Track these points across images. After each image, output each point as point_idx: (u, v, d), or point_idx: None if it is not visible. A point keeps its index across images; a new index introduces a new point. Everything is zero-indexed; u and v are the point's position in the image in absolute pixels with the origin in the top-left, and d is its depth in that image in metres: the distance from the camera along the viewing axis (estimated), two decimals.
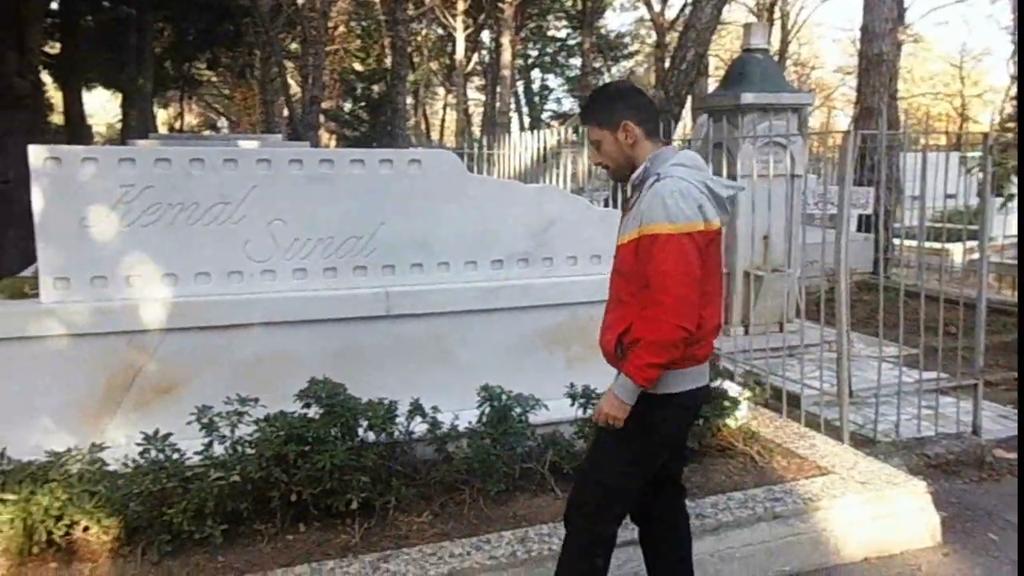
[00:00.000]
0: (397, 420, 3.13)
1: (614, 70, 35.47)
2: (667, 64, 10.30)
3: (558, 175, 8.17)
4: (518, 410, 3.30)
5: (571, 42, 32.15)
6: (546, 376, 3.70)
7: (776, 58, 21.32)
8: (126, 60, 11.93)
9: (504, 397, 3.29)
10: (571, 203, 3.97)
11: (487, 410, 3.28)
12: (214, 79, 29.33)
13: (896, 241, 9.40)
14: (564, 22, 31.69)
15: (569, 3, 29.57)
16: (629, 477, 2.30)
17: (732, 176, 5.42)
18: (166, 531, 2.73)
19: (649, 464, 2.31)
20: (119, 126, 30.07)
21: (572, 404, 3.42)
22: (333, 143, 29.03)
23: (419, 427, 3.23)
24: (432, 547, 2.87)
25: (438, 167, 3.64)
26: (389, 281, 3.58)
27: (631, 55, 35.15)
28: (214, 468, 2.82)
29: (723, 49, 29.06)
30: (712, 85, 20.42)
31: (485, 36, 31.27)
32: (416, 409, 3.20)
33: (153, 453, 2.78)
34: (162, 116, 29.96)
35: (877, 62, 9.41)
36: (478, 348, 3.70)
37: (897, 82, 11.67)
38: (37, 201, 3.05)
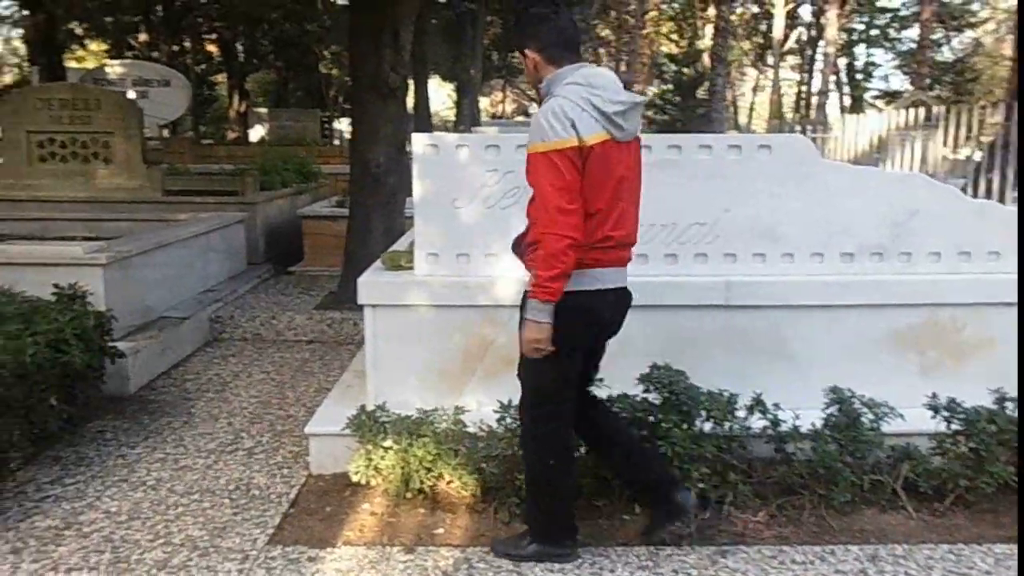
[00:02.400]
0: (737, 413, 3.05)
1: (954, 41, 31.50)
2: None
3: (902, 160, 7.42)
4: (870, 416, 3.04)
5: (905, 12, 29.03)
6: (896, 382, 3.38)
7: None
8: (461, 53, 13.01)
9: (855, 401, 3.05)
10: (938, 193, 3.56)
11: (834, 413, 3.07)
12: None
13: None
14: None
15: None
16: (549, 378, 2.50)
17: None
18: (516, 495, 2.92)
19: (565, 365, 2.49)
20: (445, 113, 33.04)
21: (934, 416, 3.08)
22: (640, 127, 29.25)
23: (757, 423, 3.12)
24: (772, 549, 2.77)
25: (788, 152, 3.46)
26: (729, 270, 3.49)
27: (978, 24, 30.90)
28: None
29: None
30: None
31: (805, 11, 29.33)
32: (757, 404, 3.09)
33: (507, 421, 2.98)
34: (483, 103, 32.22)
35: None
36: (820, 345, 3.47)
37: None
38: (417, 183, 3.40)
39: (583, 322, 2.49)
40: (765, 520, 2.96)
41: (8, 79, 30.87)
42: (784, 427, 3.09)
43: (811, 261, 3.52)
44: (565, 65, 2.44)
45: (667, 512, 2.73)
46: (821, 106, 23.66)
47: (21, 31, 24.48)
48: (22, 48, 27.56)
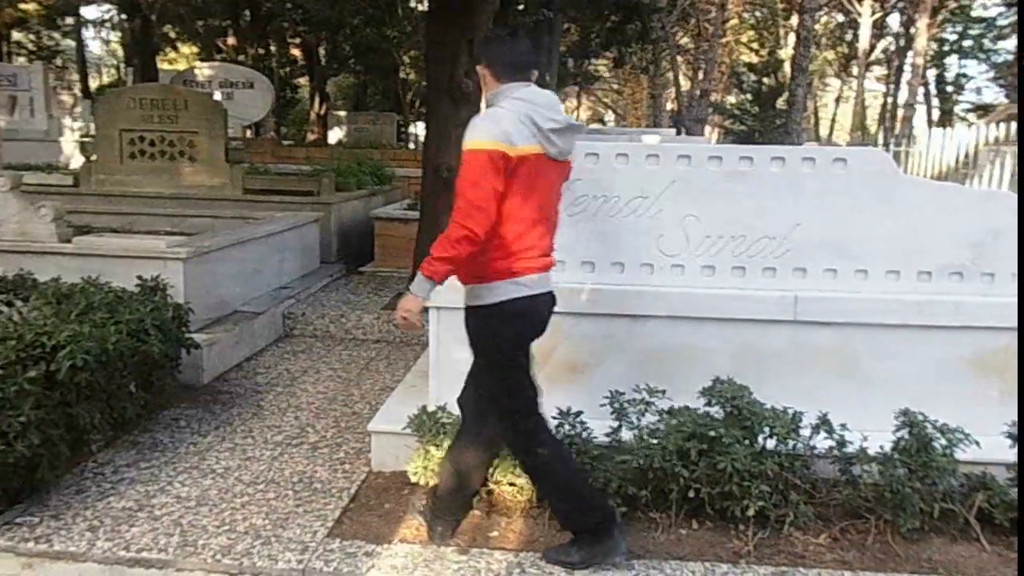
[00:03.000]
0: (801, 432, 2.98)
1: None
2: None
3: (991, 177, 7.13)
4: (942, 442, 2.93)
5: (1002, 22, 27.84)
6: (973, 408, 3.25)
7: None
8: (537, 60, 13.04)
9: (927, 425, 2.95)
10: None
11: (905, 436, 2.97)
12: (607, 75, 30.83)
13: None
14: None
15: None
16: (507, 386, 2.67)
17: None
18: None
19: (511, 368, 2.65)
20: None
21: (1012, 445, 2.95)
22: (716, 137, 28.81)
23: (822, 443, 3.04)
24: (833, 573, 2.70)
25: (865, 166, 3.37)
26: (798, 285, 3.42)
27: None
28: (619, 451, 2.94)
29: None
30: None
31: (894, 20, 28.42)
32: (823, 423, 3.01)
33: (566, 427, 2.98)
34: None
35: None
36: (893, 366, 3.37)
37: None
38: None
39: (523, 324, 2.65)
40: (827, 543, 2.89)
41: (105, 79, 32.41)
42: (851, 448, 3.01)
43: (886, 279, 3.42)
44: (511, 83, 2.57)
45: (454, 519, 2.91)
46: (907, 119, 22.86)
47: (119, 34, 25.69)
48: (119, 50, 28.92)
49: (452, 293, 3.40)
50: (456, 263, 2.49)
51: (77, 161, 11.43)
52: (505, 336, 2.61)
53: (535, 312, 2.66)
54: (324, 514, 3.03)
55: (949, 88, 31.67)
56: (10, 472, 2.87)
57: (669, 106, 23.38)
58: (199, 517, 2.99)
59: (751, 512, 2.85)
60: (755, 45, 28.37)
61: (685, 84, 23.85)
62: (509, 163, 2.43)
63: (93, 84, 29.29)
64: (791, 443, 2.96)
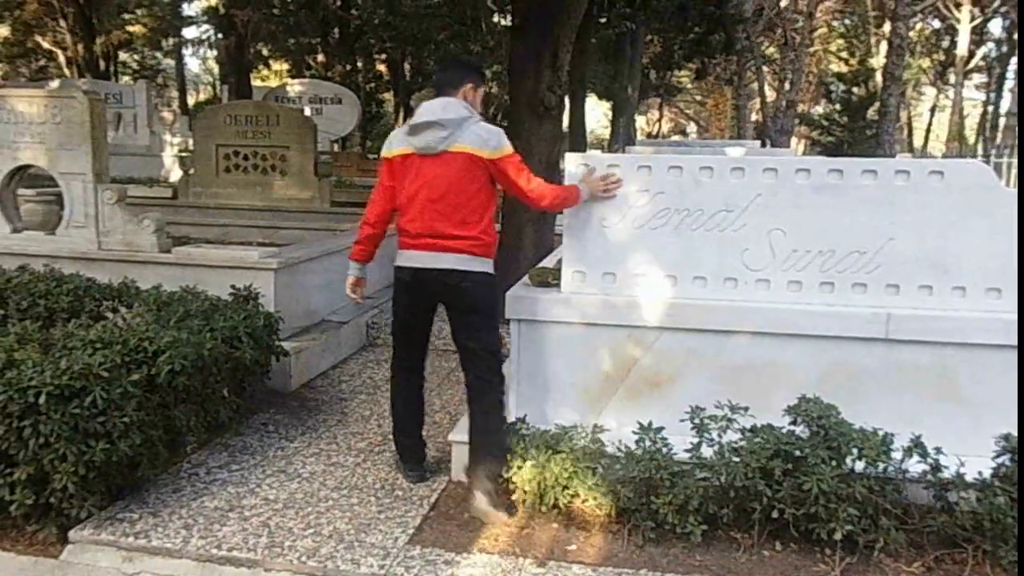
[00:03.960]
0: (892, 454, 2.87)
1: None
2: None
3: None
4: None
5: None
6: None
7: None
8: (619, 72, 13.04)
9: None
10: None
11: (1006, 463, 2.83)
12: (689, 86, 30.48)
13: None
14: None
15: None
16: (392, 328, 3.46)
17: None
18: (651, 519, 2.89)
19: (395, 320, 3.42)
20: (600, 131, 33.12)
21: None
22: (802, 148, 28.08)
23: (915, 466, 2.92)
24: None
25: (963, 179, 3.24)
26: (891, 302, 3.30)
27: None
28: (700, 468, 2.90)
29: None
30: None
31: (995, 25, 27.17)
32: (916, 446, 2.89)
33: (647, 443, 2.95)
34: (639, 122, 32.07)
35: None
36: (995, 388, 3.21)
37: None
38: None
39: (404, 289, 3.32)
40: (920, 572, 2.77)
41: (202, 96, 33.92)
42: (946, 473, 2.88)
43: (986, 297, 3.27)
44: (426, 99, 3.25)
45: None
46: (1010, 128, 21.80)
47: (215, 53, 26.88)
48: (215, 68, 30.24)
49: (535, 305, 3.44)
50: (359, 242, 3.49)
51: (176, 175, 12.00)
52: (394, 295, 3.37)
53: (402, 278, 3.30)
54: (405, 521, 3.09)
55: None
56: (113, 470, 3.03)
57: (753, 117, 22.91)
58: (286, 519, 3.09)
59: (838, 536, 2.77)
60: (844, 54, 27.57)
61: (770, 95, 23.34)
62: (386, 164, 3.27)
63: (191, 101, 30.73)
64: (881, 466, 2.86)
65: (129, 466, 3.10)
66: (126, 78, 25.98)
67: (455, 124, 3.06)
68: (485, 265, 3.17)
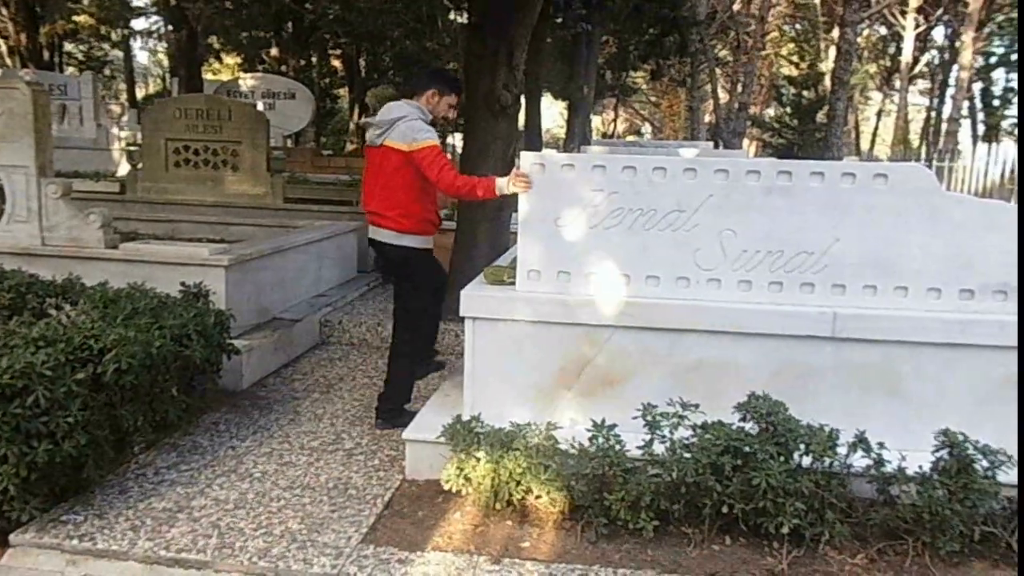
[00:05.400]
0: (837, 450, 2.95)
1: None
2: None
3: None
4: (984, 463, 2.88)
5: None
6: (1016, 429, 3.19)
7: None
8: (575, 72, 13.09)
9: (968, 446, 2.90)
10: None
11: (945, 457, 2.92)
12: (644, 87, 30.74)
13: None
14: None
15: None
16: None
17: None
18: (604, 515, 2.92)
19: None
20: (557, 131, 33.22)
21: None
22: (754, 150, 28.56)
23: (860, 461, 3.00)
24: None
25: (907, 182, 3.33)
26: (838, 302, 3.38)
27: None
28: (652, 465, 2.94)
29: None
30: None
31: (939, 33, 27.95)
32: (860, 442, 2.97)
33: (600, 440, 2.98)
34: (595, 122, 32.22)
35: None
36: (935, 386, 3.32)
37: None
38: (522, 200, 3.47)
39: (376, 255, 4.13)
40: (863, 563, 2.85)
41: (151, 89, 33.16)
42: (889, 468, 2.97)
43: (927, 296, 3.37)
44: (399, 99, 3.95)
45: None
46: (952, 133, 22.46)
47: (165, 45, 26.30)
48: (165, 61, 29.60)
49: (489, 303, 3.45)
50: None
51: (124, 169, 11.72)
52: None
53: (376, 249, 4.01)
54: (359, 520, 3.07)
55: (996, 102, 30.95)
56: (57, 471, 2.95)
57: (707, 119, 23.21)
58: (236, 520, 3.04)
59: (785, 529, 2.83)
60: (795, 58, 28.10)
61: (723, 97, 23.68)
62: (370, 155, 3.91)
63: (140, 94, 30.01)
64: (827, 461, 2.93)
65: (74, 467, 3.02)
66: (71, 69, 25.25)
67: (388, 123, 3.76)
68: (412, 240, 3.86)
